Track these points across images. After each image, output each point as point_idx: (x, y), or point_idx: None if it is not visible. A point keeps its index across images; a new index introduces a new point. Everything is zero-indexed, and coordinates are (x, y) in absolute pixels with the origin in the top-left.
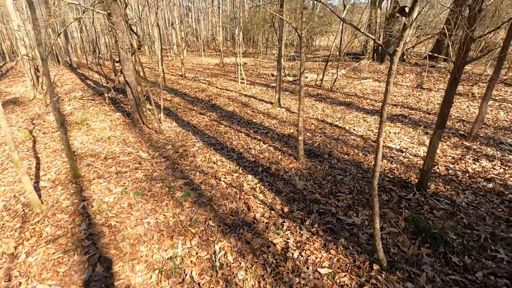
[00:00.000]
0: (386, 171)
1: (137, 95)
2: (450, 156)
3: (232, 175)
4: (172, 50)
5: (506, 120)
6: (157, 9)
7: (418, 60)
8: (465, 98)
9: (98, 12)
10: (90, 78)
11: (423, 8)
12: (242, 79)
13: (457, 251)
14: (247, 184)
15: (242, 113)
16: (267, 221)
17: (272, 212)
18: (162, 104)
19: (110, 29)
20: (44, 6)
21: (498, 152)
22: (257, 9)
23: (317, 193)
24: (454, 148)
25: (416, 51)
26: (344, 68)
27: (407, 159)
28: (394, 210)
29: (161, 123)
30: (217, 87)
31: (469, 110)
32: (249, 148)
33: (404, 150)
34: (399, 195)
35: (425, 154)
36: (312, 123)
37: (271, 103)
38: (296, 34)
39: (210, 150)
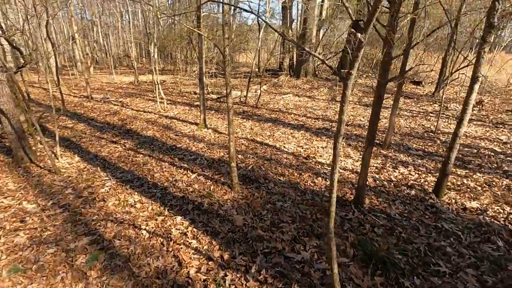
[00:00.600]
0: (323, 189)
1: (19, 126)
2: (373, 166)
3: (156, 220)
4: (75, 67)
5: (406, 127)
6: (46, 19)
7: (328, 75)
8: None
9: None
10: None
11: (326, 30)
12: (162, 98)
13: (406, 273)
14: (176, 229)
15: (164, 138)
16: (205, 277)
17: (210, 262)
18: (57, 133)
19: None
20: None
21: (409, 158)
22: (173, 25)
23: (259, 228)
24: (375, 158)
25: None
26: (265, 84)
27: (339, 174)
28: (340, 235)
29: (57, 159)
30: (132, 109)
31: None
32: (175, 180)
33: None
34: (340, 216)
35: (354, 167)
36: (242, 144)
37: (196, 124)
38: (216, 50)
39: (126, 188)
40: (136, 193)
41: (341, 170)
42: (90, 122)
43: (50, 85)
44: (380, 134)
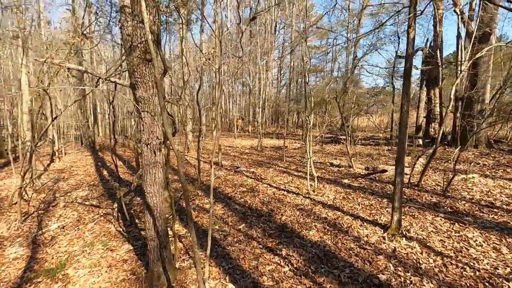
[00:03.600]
0: None
1: (165, 229)
2: None
3: None
4: (201, 130)
5: None
6: (199, 86)
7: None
8: None
9: (115, 82)
10: (108, 165)
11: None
12: (312, 176)
13: None
14: None
15: (344, 251)
16: None
17: None
18: (209, 240)
19: (134, 111)
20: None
21: None
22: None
23: None
24: None
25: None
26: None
27: None
28: None
29: (204, 283)
30: (270, 185)
31: None
32: None
33: None
34: None
35: None
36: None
37: (383, 226)
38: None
39: None
40: None
41: None
42: (228, 203)
43: (194, 152)
44: None
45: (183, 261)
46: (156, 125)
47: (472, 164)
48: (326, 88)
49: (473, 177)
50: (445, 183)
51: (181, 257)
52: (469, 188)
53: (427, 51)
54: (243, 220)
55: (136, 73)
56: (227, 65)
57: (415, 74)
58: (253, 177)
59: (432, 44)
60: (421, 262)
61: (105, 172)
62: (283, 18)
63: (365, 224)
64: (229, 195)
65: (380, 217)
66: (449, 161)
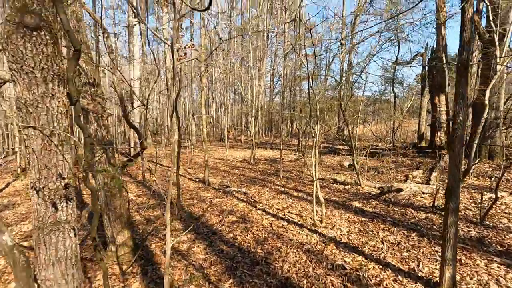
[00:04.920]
0: None
1: None
2: None
3: None
4: (190, 141)
5: None
6: (177, 92)
7: None
8: None
9: None
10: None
11: None
12: (318, 201)
13: None
14: None
15: None
16: None
17: None
18: None
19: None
20: None
21: None
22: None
23: None
24: None
25: None
26: (418, 170)
27: None
28: None
29: None
30: (266, 211)
31: None
32: None
33: None
34: None
35: None
36: None
37: (425, 282)
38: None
39: None
40: None
41: None
42: (213, 241)
43: (174, 172)
44: None
45: None
46: (56, 154)
47: (493, 179)
48: (322, 94)
49: (502, 197)
50: (478, 207)
51: None
52: (505, 213)
53: (429, 55)
54: (231, 271)
55: (10, 53)
56: (218, 68)
57: (412, 81)
58: (245, 199)
59: (435, 48)
60: None
61: None
62: (276, 26)
63: (399, 278)
64: (215, 227)
65: (418, 266)
66: (466, 177)
